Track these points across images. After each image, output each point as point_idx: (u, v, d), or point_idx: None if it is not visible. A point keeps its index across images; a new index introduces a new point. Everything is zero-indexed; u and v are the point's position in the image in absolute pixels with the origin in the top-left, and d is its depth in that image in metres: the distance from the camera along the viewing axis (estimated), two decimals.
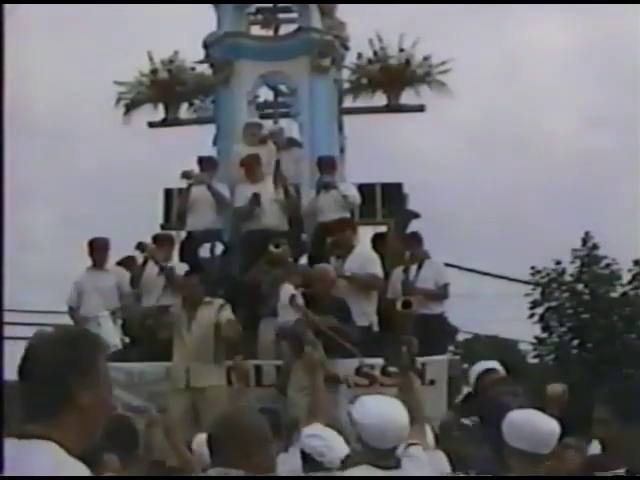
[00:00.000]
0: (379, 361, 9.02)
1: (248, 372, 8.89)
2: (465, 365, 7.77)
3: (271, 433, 3.83)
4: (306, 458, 5.45)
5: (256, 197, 10.60)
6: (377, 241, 11.22)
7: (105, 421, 2.57)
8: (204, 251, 10.13)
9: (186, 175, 11.13)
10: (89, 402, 2.49)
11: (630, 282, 24.03)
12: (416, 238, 10.67)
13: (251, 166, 10.83)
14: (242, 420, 3.79)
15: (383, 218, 12.14)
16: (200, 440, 5.97)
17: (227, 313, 8.89)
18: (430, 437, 5.44)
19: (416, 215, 12.32)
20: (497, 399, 4.98)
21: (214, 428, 3.87)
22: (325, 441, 5.50)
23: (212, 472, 3.68)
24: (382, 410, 4.56)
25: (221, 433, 3.75)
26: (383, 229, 12.05)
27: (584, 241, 24.48)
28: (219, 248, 10.33)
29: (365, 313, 9.61)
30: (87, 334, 2.68)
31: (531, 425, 4.34)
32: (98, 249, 10.44)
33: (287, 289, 9.04)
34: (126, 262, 10.69)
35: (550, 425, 4.43)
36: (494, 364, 7.56)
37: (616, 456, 3.56)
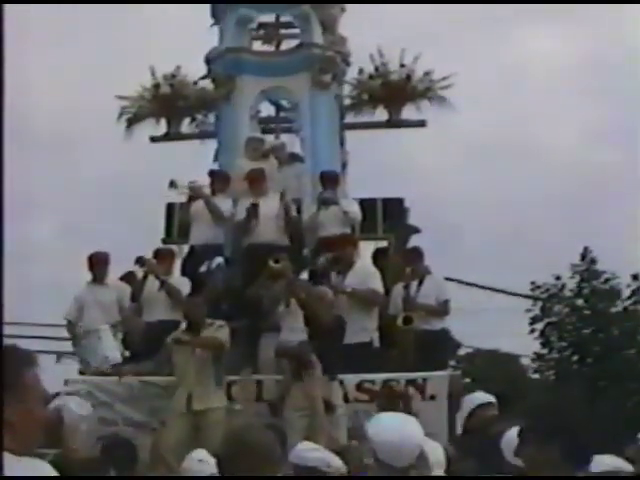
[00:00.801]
0: (380, 376, 9.04)
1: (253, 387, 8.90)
2: (466, 380, 7.79)
3: (280, 451, 3.84)
4: (303, 473, 5.47)
5: (254, 207, 10.61)
6: (378, 256, 11.23)
7: (47, 435, 2.62)
8: (204, 266, 10.12)
9: (173, 185, 11.14)
10: (16, 417, 2.53)
11: (629, 297, 24.08)
12: (417, 253, 10.68)
13: (256, 180, 10.85)
14: (251, 437, 3.80)
15: (384, 233, 12.16)
16: (194, 457, 5.99)
17: (223, 334, 8.91)
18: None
19: (416, 230, 12.34)
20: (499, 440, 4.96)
21: (224, 446, 3.86)
22: (326, 453, 5.55)
23: None
24: (397, 426, 4.56)
25: (230, 450, 3.75)
26: (384, 244, 12.06)
27: (583, 256, 24.55)
28: (217, 262, 10.31)
29: (366, 329, 9.63)
30: (14, 350, 2.70)
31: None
32: (98, 263, 10.43)
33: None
34: (127, 277, 10.70)
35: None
36: (488, 398, 7.47)
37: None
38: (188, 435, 8.46)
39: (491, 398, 7.46)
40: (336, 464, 5.46)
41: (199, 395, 8.67)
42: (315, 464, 5.41)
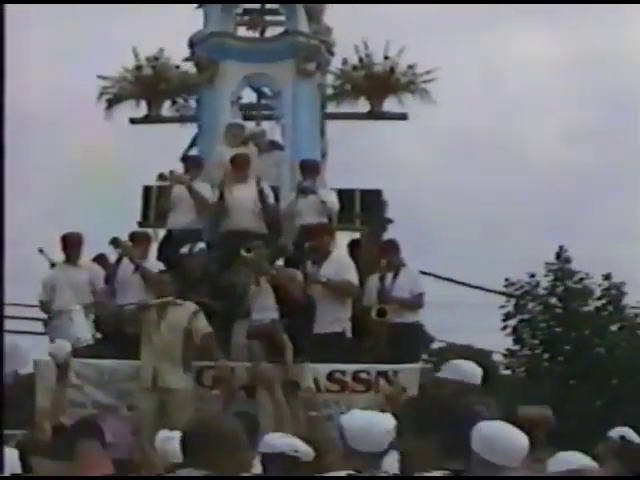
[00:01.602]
0: (351, 367, 9.05)
1: (228, 378, 8.88)
2: (438, 374, 7.77)
3: (246, 439, 3.83)
4: (272, 459, 5.49)
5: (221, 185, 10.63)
6: (353, 247, 11.23)
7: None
8: (184, 250, 10.08)
9: (162, 177, 11.10)
10: None
11: (600, 297, 24.23)
12: (393, 245, 10.67)
13: (241, 165, 10.81)
14: (218, 424, 3.79)
15: (361, 224, 12.15)
16: (163, 437, 5.99)
17: (202, 323, 8.91)
18: None
19: (389, 221, 12.30)
20: (470, 408, 4.97)
21: (189, 430, 3.86)
22: (293, 439, 5.60)
23: (182, 472, 3.68)
24: (368, 414, 4.59)
25: (196, 435, 3.74)
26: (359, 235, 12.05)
27: (558, 255, 24.65)
28: (199, 246, 10.29)
29: (339, 319, 9.63)
30: None
31: (504, 439, 4.32)
32: (71, 244, 10.37)
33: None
34: (99, 259, 10.65)
35: (522, 439, 4.42)
36: (476, 374, 7.29)
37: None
38: (155, 413, 8.46)
39: (478, 373, 7.24)
40: (304, 449, 5.52)
41: (164, 372, 8.66)
42: (283, 449, 5.47)
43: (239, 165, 10.82)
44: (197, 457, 3.65)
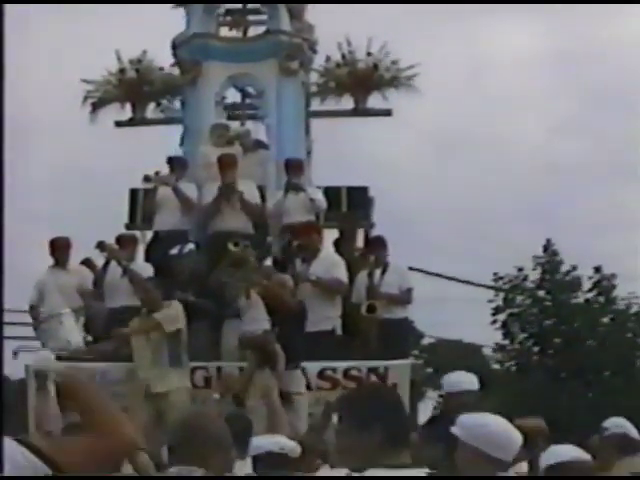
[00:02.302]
0: (342, 364, 9.06)
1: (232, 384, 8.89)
2: (429, 369, 7.77)
3: (232, 440, 3.85)
4: (264, 459, 5.53)
5: (227, 187, 10.58)
6: (338, 245, 11.23)
7: None
8: (175, 250, 10.05)
9: (147, 179, 11.10)
10: None
11: (591, 289, 24.28)
12: (380, 242, 10.70)
13: (228, 165, 10.80)
14: (202, 424, 3.81)
15: (347, 221, 12.14)
16: None
17: (172, 310, 8.97)
18: None
19: (366, 217, 12.27)
20: None
21: (174, 429, 3.89)
22: (279, 438, 5.63)
23: (170, 471, 3.69)
24: None
25: (180, 435, 3.77)
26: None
27: (545, 248, 24.70)
28: (188, 247, 10.28)
29: (329, 317, 9.66)
30: None
31: (506, 435, 4.28)
32: (59, 248, 10.38)
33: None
34: (86, 263, 10.65)
35: (513, 431, 4.39)
36: (472, 383, 7.29)
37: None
38: (151, 420, 8.45)
39: (474, 382, 7.24)
40: (289, 445, 5.60)
41: (156, 377, 8.69)
42: (270, 448, 5.54)
43: (226, 165, 10.81)
44: (180, 456, 3.67)
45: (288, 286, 9.32)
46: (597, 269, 24.24)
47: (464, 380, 7.17)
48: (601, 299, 24.18)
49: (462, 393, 6.89)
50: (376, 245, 10.66)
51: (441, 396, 7.40)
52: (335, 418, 3.90)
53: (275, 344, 8.68)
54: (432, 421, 7.37)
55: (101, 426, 2.62)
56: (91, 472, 2.72)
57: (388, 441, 3.55)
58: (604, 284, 24.22)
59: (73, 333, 9.50)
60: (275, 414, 7.94)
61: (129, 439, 2.68)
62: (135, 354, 8.90)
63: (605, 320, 24.02)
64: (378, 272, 10.24)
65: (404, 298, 10.30)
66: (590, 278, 24.33)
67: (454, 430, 4.23)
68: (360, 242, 11.89)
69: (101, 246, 10.21)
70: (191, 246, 10.29)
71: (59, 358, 9.31)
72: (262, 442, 5.67)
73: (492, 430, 4.17)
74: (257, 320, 9.08)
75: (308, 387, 8.95)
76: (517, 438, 4.26)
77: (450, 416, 5.64)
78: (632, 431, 6.69)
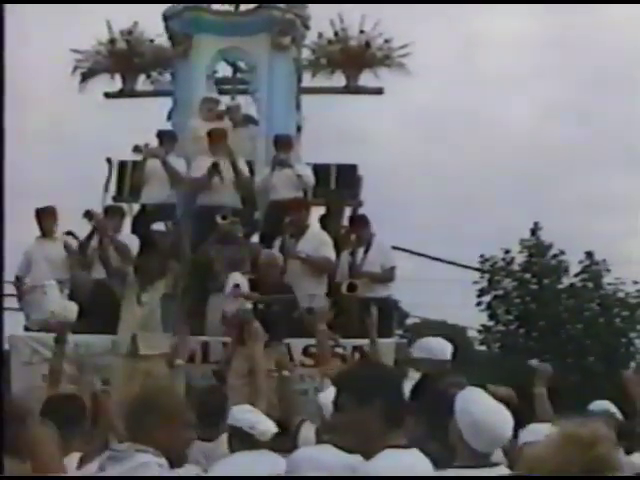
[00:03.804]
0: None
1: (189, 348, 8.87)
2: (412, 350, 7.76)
3: (187, 415, 3.83)
4: (234, 433, 5.52)
5: (215, 167, 10.55)
6: (323, 222, 11.21)
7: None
8: (158, 225, 10.01)
9: (137, 149, 11.05)
10: None
11: (579, 274, 24.32)
12: (363, 221, 10.69)
13: (218, 139, 10.76)
14: (159, 399, 3.79)
15: (334, 199, 12.11)
16: None
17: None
18: None
19: (354, 196, 12.25)
20: (447, 394, 4.94)
21: (132, 403, 3.87)
22: (256, 416, 5.59)
23: (120, 447, 3.67)
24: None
25: (136, 408, 3.76)
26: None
27: (533, 231, 24.72)
28: (174, 222, 10.25)
29: (315, 295, 9.63)
30: None
31: (492, 427, 4.22)
32: (45, 218, 10.35)
33: (233, 278, 9.10)
34: (71, 234, 10.60)
35: (508, 427, 4.32)
36: (445, 350, 7.30)
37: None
38: (129, 381, 8.39)
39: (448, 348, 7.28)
40: (262, 427, 5.53)
41: (145, 339, 8.63)
42: (240, 425, 5.53)
43: (215, 139, 10.78)
44: (135, 431, 3.66)
45: (277, 263, 9.31)
46: (589, 254, 24.26)
47: (442, 350, 7.14)
48: (590, 284, 24.21)
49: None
50: (358, 224, 10.65)
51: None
52: (331, 394, 3.90)
53: (254, 322, 8.63)
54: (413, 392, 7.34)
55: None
56: None
57: (387, 418, 3.54)
58: (593, 269, 24.26)
59: (63, 304, 9.45)
60: (257, 385, 7.89)
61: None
62: (125, 314, 8.83)
63: (592, 305, 24.06)
64: (361, 251, 10.23)
65: (386, 276, 10.28)
66: (580, 262, 24.36)
67: (456, 401, 4.19)
68: (346, 220, 11.88)
69: (88, 215, 10.16)
70: (176, 220, 10.26)
71: (43, 330, 9.33)
72: (239, 415, 5.64)
73: (477, 420, 4.10)
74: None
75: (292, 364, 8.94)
76: (502, 433, 4.19)
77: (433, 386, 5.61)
78: (618, 414, 6.73)
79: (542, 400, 7.03)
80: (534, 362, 7.67)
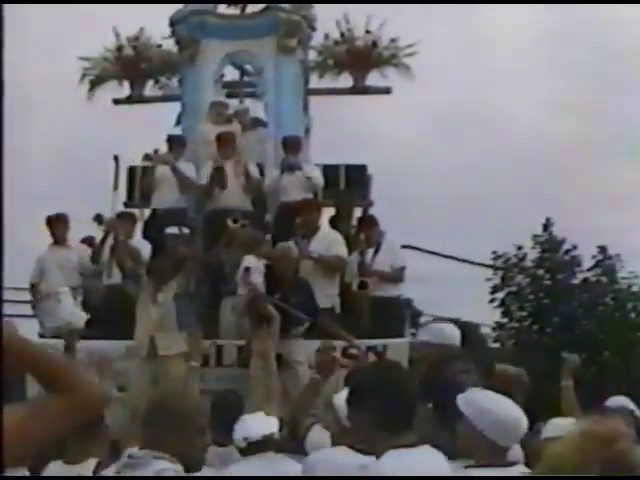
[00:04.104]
0: (340, 343, 9.04)
1: (203, 350, 8.86)
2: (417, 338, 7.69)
3: (201, 421, 3.82)
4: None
5: (218, 171, 10.57)
6: (334, 222, 11.21)
7: None
8: (172, 229, 10.01)
9: (148, 157, 11.08)
10: None
11: (591, 269, 24.21)
12: (372, 221, 10.68)
13: (226, 143, 10.79)
14: (174, 404, 3.78)
15: (344, 199, 12.10)
16: None
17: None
18: None
19: (364, 196, 12.25)
20: (453, 380, 4.93)
21: (148, 407, 3.86)
22: (247, 424, 5.53)
23: (139, 454, 3.65)
24: None
25: (152, 414, 3.74)
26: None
27: (545, 227, 24.63)
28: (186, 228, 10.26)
29: (328, 295, 9.65)
30: None
31: (516, 423, 4.22)
32: (57, 225, 10.39)
33: (247, 261, 9.12)
34: (88, 241, 10.63)
35: (521, 419, 4.31)
36: (455, 335, 7.14)
37: None
38: (149, 384, 8.38)
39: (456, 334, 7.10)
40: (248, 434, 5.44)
41: (162, 340, 8.63)
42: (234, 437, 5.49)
43: (224, 143, 10.80)
44: (151, 436, 3.64)
45: (291, 255, 9.32)
46: (602, 248, 24.16)
47: (446, 335, 6.96)
48: (604, 279, 24.10)
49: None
50: (367, 224, 10.63)
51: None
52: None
53: (268, 305, 8.67)
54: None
55: (61, 384, 2.42)
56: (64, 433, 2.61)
57: (388, 419, 3.53)
58: (607, 263, 24.15)
59: (71, 311, 9.47)
60: (269, 379, 7.88)
61: (96, 391, 2.51)
62: (140, 316, 8.82)
63: (606, 300, 23.94)
64: (371, 251, 10.22)
65: (395, 276, 10.25)
66: (594, 257, 24.27)
67: (461, 405, 4.17)
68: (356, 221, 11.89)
69: (99, 219, 10.20)
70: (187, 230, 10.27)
71: (57, 337, 9.36)
72: (237, 424, 5.57)
73: (501, 418, 4.10)
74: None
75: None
76: (523, 425, 4.21)
77: (441, 372, 5.57)
78: (636, 411, 6.68)
79: (568, 393, 6.97)
80: (564, 354, 7.53)
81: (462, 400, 4.19)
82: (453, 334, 6.90)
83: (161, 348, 8.64)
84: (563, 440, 2.91)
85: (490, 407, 4.15)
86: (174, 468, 3.54)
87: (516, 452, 4.58)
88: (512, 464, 4.21)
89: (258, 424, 5.53)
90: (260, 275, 9.06)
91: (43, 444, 2.44)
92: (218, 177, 10.56)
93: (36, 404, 2.41)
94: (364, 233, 10.43)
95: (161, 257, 9.30)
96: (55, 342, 9.21)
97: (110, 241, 10.10)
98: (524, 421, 4.22)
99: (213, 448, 5.98)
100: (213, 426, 5.85)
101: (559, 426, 5.11)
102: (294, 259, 9.32)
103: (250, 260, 9.18)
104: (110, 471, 3.64)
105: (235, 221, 9.67)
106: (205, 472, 5.04)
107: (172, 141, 11.26)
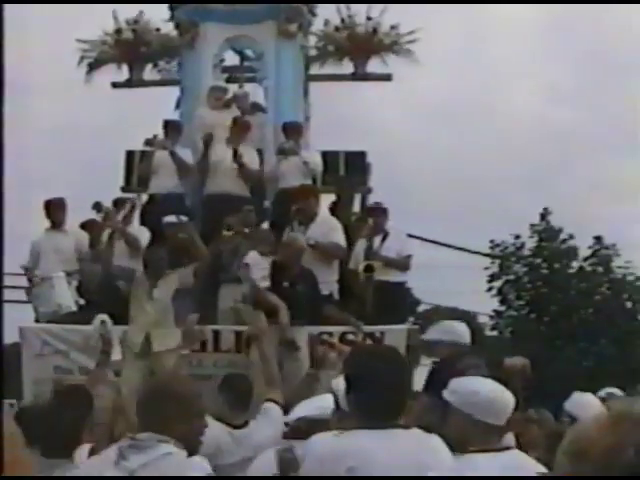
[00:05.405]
0: (338, 328, 9.02)
1: (197, 337, 8.82)
2: (426, 336, 7.67)
3: (201, 404, 3.80)
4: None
5: (208, 137, 10.64)
6: (334, 209, 11.18)
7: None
8: (169, 218, 9.96)
9: (149, 143, 11.03)
10: None
11: (587, 258, 24.28)
12: (380, 209, 10.62)
13: (242, 129, 10.81)
14: (170, 387, 3.76)
15: (344, 185, 12.08)
16: None
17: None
18: None
19: (363, 182, 12.22)
20: (464, 375, 4.93)
21: (146, 392, 3.84)
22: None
23: (141, 436, 3.62)
24: None
25: (150, 398, 3.72)
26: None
27: (542, 216, 24.68)
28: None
29: (326, 282, 9.61)
30: None
31: (499, 400, 4.25)
32: (54, 209, 10.32)
33: (249, 257, 9.12)
34: (90, 225, 10.57)
35: (505, 395, 4.35)
36: (467, 333, 7.15)
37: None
38: (141, 379, 8.36)
39: (465, 331, 7.16)
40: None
41: (158, 336, 8.59)
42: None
43: (241, 129, 10.82)
44: (149, 420, 3.62)
45: (298, 246, 9.27)
46: (598, 238, 24.22)
47: (458, 334, 7.00)
48: (600, 268, 24.16)
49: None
50: (376, 212, 10.56)
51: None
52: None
53: (274, 296, 8.66)
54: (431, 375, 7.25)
55: None
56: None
57: (379, 406, 3.54)
58: (603, 253, 24.21)
59: (64, 297, 9.44)
60: (265, 362, 7.84)
61: None
62: (136, 312, 8.77)
63: (602, 289, 24.01)
64: (378, 238, 10.17)
65: (402, 263, 10.20)
66: (590, 247, 24.32)
67: (446, 395, 4.22)
68: (357, 207, 11.84)
69: (97, 207, 10.16)
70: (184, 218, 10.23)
71: (51, 321, 9.33)
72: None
73: (485, 397, 4.14)
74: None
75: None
76: (509, 401, 4.24)
77: (452, 367, 5.61)
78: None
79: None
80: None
81: (447, 392, 4.25)
82: (464, 332, 7.00)
83: (156, 344, 8.60)
84: (592, 422, 2.86)
85: (473, 389, 4.20)
86: (179, 452, 3.52)
87: (508, 440, 4.60)
88: (507, 448, 4.23)
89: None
90: (261, 271, 9.04)
91: None
92: (208, 141, 10.64)
93: None
94: (373, 221, 10.33)
95: (158, 249, 9.26)
96: (52, 326, 9.21)
97: (109, 229, 10.06)
98: (508, 395, 4.25)
99: (229, 430, 6.10)
100: (227, 409, 6.18)
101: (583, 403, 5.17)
102: (302, 250, 9.27)
103: (251, 256, 9.16)
104: (111, 451, 3.59)
105: (229, 229, 9.61)
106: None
107: (168, 126, 11.21)
